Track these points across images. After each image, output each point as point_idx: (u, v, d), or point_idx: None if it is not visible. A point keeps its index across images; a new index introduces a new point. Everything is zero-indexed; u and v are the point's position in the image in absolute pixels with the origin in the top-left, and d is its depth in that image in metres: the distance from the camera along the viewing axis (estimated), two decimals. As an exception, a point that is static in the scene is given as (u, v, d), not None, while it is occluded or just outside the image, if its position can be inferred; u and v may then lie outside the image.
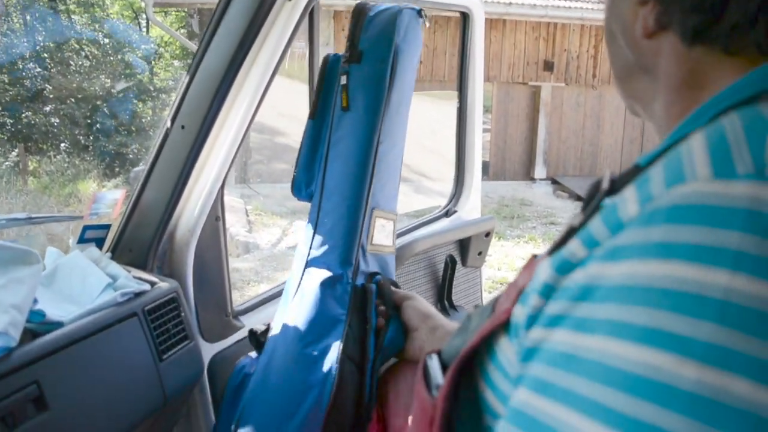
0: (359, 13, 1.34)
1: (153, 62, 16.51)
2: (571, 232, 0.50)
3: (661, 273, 0.38)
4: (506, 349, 0.55)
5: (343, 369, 1.18)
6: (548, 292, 0.47)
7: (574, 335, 0.42)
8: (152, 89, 15.26)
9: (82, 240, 1.41)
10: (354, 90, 1.32)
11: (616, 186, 0.50)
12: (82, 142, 13.13)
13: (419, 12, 1.39)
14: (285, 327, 1.27)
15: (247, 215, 8.92)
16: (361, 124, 1.32)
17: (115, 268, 1.33)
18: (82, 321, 1.15)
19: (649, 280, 0.38)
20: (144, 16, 15.38)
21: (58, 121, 13.07)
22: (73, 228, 1.53)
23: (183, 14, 15.93)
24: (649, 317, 0.37)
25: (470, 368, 0.61)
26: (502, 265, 7.20)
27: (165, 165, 1.41)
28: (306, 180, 1.41)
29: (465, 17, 2.17)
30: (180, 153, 1.39)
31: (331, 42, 10.32)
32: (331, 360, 1.19)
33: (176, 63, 17.07)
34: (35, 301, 1.09)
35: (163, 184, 1.43)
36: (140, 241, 1.47)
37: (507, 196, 10.85)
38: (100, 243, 1.45)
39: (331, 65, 1.38)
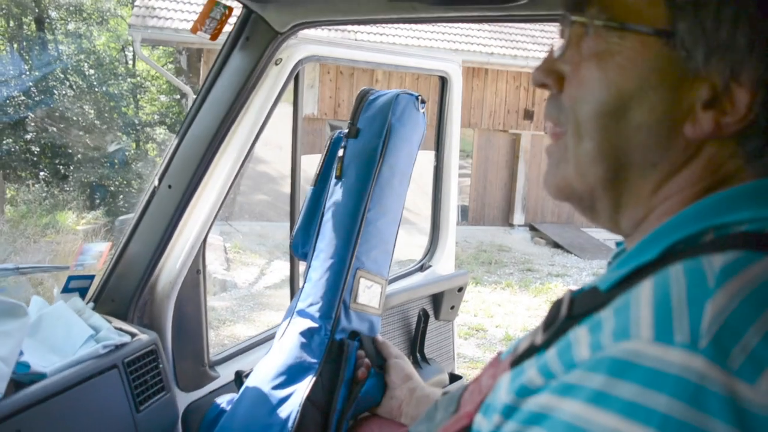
0: (362, 96, 1.51)
1: (138, 96, 16.58)
2: (532, 350, 0.57)
3: (596, 420, 0.43)
4: None
5: (305, 413, 1.26)
6: (508, 412, 0.53)
7: None
8: (137, 123, 15.32)
9: (66, 289, 1.46)
10: (348, 161, 1.47)
11: (576, 311, 0.56)
12: (62, 172, 13.10)
13: (417, 97, 1.52)
14: (260, 369, 1.36)
15: (226, 253, 8.91)
16: (351, 192, 1.45)
17: (98, 319, 1.38)
18: (65, 372, 1.20)
19: (587, 425, 0.44)
20: (131, 48, 15.47)
21: (38, 149, 13.04)
22: (57, 277, 1.58)
23: (171, 50, 16.07)
24: None
25: None
26: (478, 311, 7.25)
27: (151, 221, 1.48)
28: (303, 240, 1.55)
29: (443, 81, 2.28)
30: (166, 211, 1.46)
31: (316, 84, 10.49)
32: (293, 404, 1.28)
33: (162, 98, 17.16)
34: (20, 352, 1.14)
35: (147, 239, 1.49)
36: (122, 292, 1.52)
37: (485, 242, 10.96)
38: (83, 292, 1.50)
39: (335, 141, 1.53)
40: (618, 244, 0.79)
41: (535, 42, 11.28)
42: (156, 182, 1.47)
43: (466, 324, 6.66)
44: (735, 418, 0.40)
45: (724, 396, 0.40)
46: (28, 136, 12.98)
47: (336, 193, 1.46)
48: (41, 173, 12.94)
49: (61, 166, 13.25)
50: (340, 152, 1.47)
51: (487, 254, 10.16)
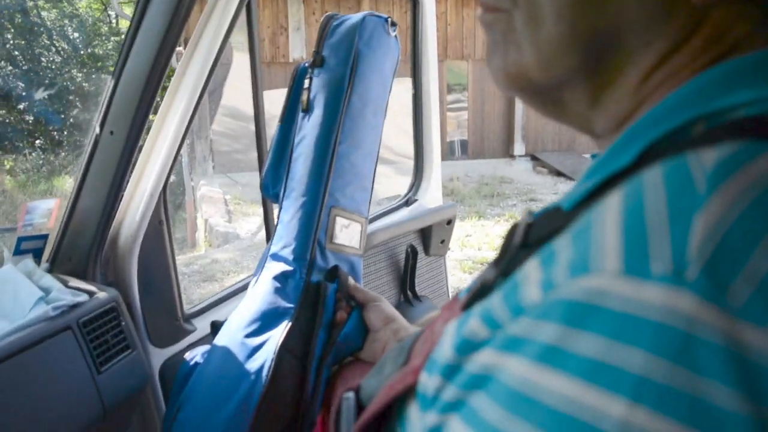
0: (326, 22, 1.40)
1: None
2: (485, 290, 0.46)
3: (548, 386, 0.33)
4: (414, 418, 0.51)
5: (281, 362, 1.19)
6: (448, 372, 0.43)
7: (462, 429, 0.38)
8: (125, 81, 15.16)
9: (17, 252, 1.37)
10: (315, 93, 1.37)
11: (532, 237, 0.45)
12: (57, 138, 13.01)
13: (386, 20, 1.40)
14: (233, 318, 1.29)
15: (226, 205, 8.87)
16: (319, 125, 1.35)
17: (49, 280, 1.30)
18: (12, 337, 1.13)
19: (538, 392, 0.33)
20: (113, 6, 15.20)
21: (32, 118, 12.92)
22: (8, 240, 1.50)
23: None
24: None
25: (380, 426, 0.57)
26: (482, 244, 7.22)
27: (98, 172, 1.38)
28: (273, 180, 1.45)
29: (415, 4, 2.13)
30: (111, 159, 1.35)
31: (302, 26, 10.23)
32: (267, 351, 1.21)
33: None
34: (-40, 320, 1.06)
35: (97, 191, 1.39)
36: (79, 249, 1.44)
37: (487, 175, 10.87)
38: (38, 253, 1.42)
39: (300, 73, 1.42)
40: (593, 156, 0.67)
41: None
42: (97, 129, 1.36)
43: (470, 258, 6.63)
44: (739, 377, 0.29)
45: (723, 346, 0.29)
46: (21, 106, 12.84)
47: (304, 127, 1.37)
48: (37, 141, 12.84)
49: (56, 132, 13.15)
50: (306, 83, 1.37)
51: (489, 187, 10.09)
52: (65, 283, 1.34)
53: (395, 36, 1.46)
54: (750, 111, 0.39)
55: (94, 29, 15.64)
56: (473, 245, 7.21)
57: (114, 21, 17.26)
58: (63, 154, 12.36)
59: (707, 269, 0.30)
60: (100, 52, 14.85)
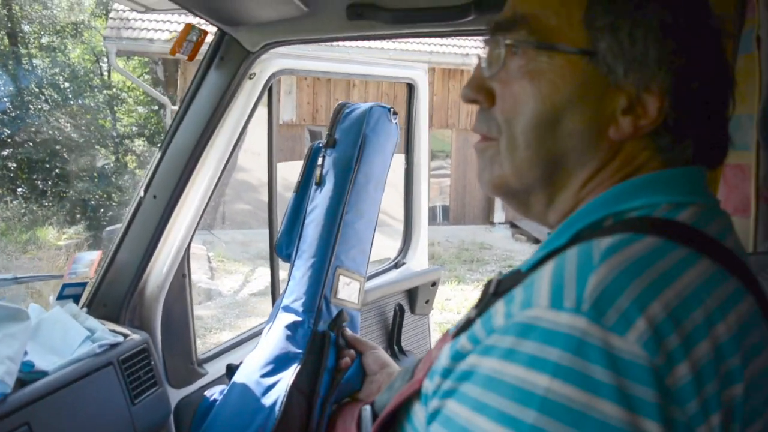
0: (339, 109, 1.65)
1: (116, 108, 16.56)
2: (468, 322, 0.68)
3: (507, 371, 0.54)
4: (419, 413, 0.73)
5: (291, 399, 1.39)
6: (445, 373, 0.63)
7: (456, 405, 0.59)
8: (115, 135, 15.30)
9: (61, 296, 1.56)
10: (327, 169, 1.61)
11: (500, 289, 0.68)
12: (41, 187, 13.06)
13: (389, 109, 1.67)
14: (249, 361, 1.49)
15: (210, 262, 8.97)
16: (329, 197, 1.59)
17: (93, 322, 1.49)
18: (65, 370, 1.31)
19: (501, 375, 0.55)
20: (106, 60, 15.42)
21: (15, 165, 12.97)
22: (53, 285, 1.68)
23: (146, 60, 16.07)
24: (496, 402, 0.54)
25: (393, 423, 0.79)
26: (461, 308, 7.39)
27: (138, 230, 1.60)
28: (287, 242, 1.68)
29: (411, 88, 2.41)
30: (152, 219, 1.57)
31: (294, 91, 10.59)
32: (280, 390, 1.40)
33: (140, 109, 17.16)
34: (25, 353, 1.25)
35: (135, 247, 1.60)
36: (114, 297, 1.63)
37: (467, 240, 11.11)
38: (77, 299, 1.61)
39: (314, 151, 1.67)
40: (549, 234, 0.93)
41: (507, 42, 11.44)
42: (142, 193, 1.59)
43: (450, 321, 6.78)
44: (609, 363, 0.51)
45: (600, 347, 0.51)
46: (5, 152, 12.92)
47: (316, 198, 1.60)
48: (19, 189, 12.88)
49: (39, 182, 13.21)
50: (319, 161, 1.61)
51: (469, 252, 10.31)
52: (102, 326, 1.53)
53: (396, 123, 1.72)
54: (641, 213, 0.64)
55: (86, 80, 15.87)
56: (452, 309, 7.38)
57: (106, 74, 17.54)
58: (46, 203, 12.40)
59: (593, 305, 0.53)
60: (91, 103, 15.05)
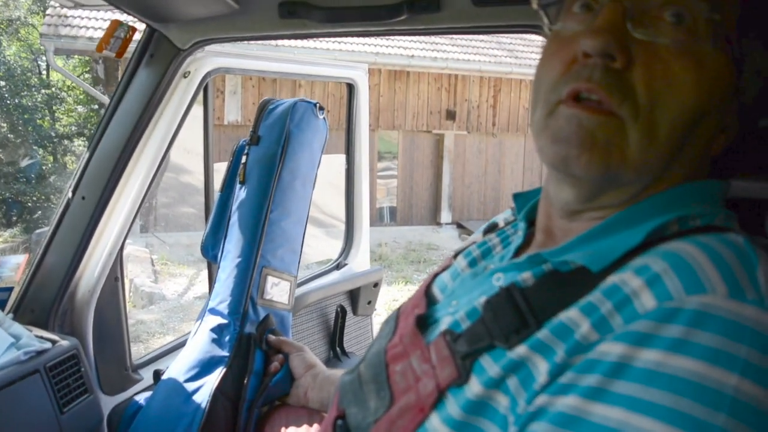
0: (263, 106, 1.64)
1: (54, 108, 16.07)
2: (521, 328, 0.61)
3: (680, 365, 0.47)
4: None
5: (216, 403, 1.37)
6: (558, 370, 0.55)
7: (583, 402, 0.51)
8: (54, 135, 14.85)
9: (-16, 302, 1.50)
10: (251, 167, 1.59)
11: (568, 289, 0.61)
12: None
13: (315, 104, 1.64)
14: (174, 365, 1.47)
15: (153, 265, 8.79)
16: (253, 195, 1.57)
17: (18, 328, 1.43)
18: (-14, 379, 1.26)
19: (675, 370, 0.47)
20: (44, 58, 14.93)
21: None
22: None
23: (87, 59, 15.63)
24: (673, 401, 0.46)
25: None
26: (407, 308, 7.41)
27: (66, 232, 1.54)
28: (212, 243, 1.67)
29: (351, 88, 2.40)
30: (80, 221, 1.53)
31: (239, 91, 10.46)
32: (204, 394, 1.39)
33: (80, 108, 16.69)
34: (-59, 362, 1.20)
35: (64, 250, 1.55)
36: (42, 302, 1.58)
37: (414, 241, 11.16)
38: (2, 304, 1.55)
39: (239, 149, 1.65)
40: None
41: (454, 44, 11.57)
42: (70, 194, 1.54)
43: (396, 321, 6.80)
44: None
45: None
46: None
47: (240, 197, 1.58)
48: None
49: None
50: (243, 159, 1.59)
51: (416, 253, 10.36)
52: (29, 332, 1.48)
53: (323, 118, 1.71)
54: (703, 221, 0.62)
55: (23, 79, 15.35)
56: (399, 309, 7.40)
57: (44, 72, 17.00)
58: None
59: None
60: (28, 103, 14.56)
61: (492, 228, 0.91)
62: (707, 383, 0.46)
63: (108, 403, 1.68)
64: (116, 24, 1.39)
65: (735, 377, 0.46)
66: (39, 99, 15.23)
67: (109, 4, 1.27)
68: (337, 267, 2.49)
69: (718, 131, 0.65)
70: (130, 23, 1.44)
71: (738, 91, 0.63)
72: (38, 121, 14.68)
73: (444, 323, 0.72)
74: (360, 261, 2.53)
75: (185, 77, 1.65)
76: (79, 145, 15.36)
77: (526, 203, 0.82)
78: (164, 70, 1.50)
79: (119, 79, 1.52)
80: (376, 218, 11.47)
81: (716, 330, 0.48)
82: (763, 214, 0.90)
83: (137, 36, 1.49)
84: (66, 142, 15.22)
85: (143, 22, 1.41)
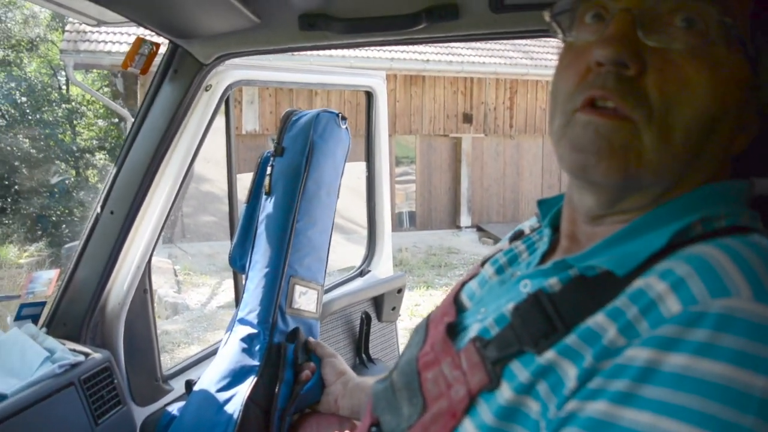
0: (286, 117, 1.65)
1: (75, 122, 16.27)
2: (549, 333, 0.61)
3: (707, 369, 0.48)
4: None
5: (248, 412, 1.39)
6: (587, 375, 0.56)
7: (613, 407, 0.51)
8: (75, 149, 15.04)
9: (19, 317, 1.53)
10: (276, 178, 1.61)
11: (592, 297, 0.61)
12: (0, 205, 12.77)
13: (338, 115, 1.66)
14: (206, 376, 1.49)
15: (176, 275, 8.87)
16: (279, 206, 1.59)
17: (52, 342, 1.46)
18: (24, 393, 1.29)
19: (699, 373, 0.48)
20: (63, 73, 15.14)
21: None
22: (12, 306, 1.66)
23: (106, 73, 15.83)
24: (702, 404, 0.47)
25: None
26: (429, 313, 7.40)
27: (96, 246, 1.57)
28: (240, 254, 1.69)
29: (369, 96, 2.42)
30: (109, 235, 1.55)
31: (256, 101, 10.54)
32: (236, 403, 1.41)
33: (100, 122, 16.89)
34: (-20, 377, 1.23)
35: (94, 264, 1.58)
36: (73, 315, 1.61)
37: (434, 245, 11.15)
38: (35, 319, 1.58)
39: (263, 160, 1.67)
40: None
41: (468, 47, 11.56)
42: (98, 209, 1.57)
43: (419, 326, 6.80)
44: None
45: None
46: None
47: (267, 208, 1.60)
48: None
49: (-1, 200, 12.93)
50: (269, 170, 1.61)
51: (436, 257, 10.35)
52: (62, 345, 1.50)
53: (346, 128, 1.72)
54: (728, 222, 0.62)
55: (44, 94, 15.57)
56: (422, 314, 7.39)
57: (64, 87, 17.23)
58: (6, 221, 12.13)
59: None
60: (49, 118, 14.77)
61: (518, 235, 0.92)
62: (734, 386, 0.47)
63: (140, 414, 1.70)
64: (140, 41, 1.42)
65: (762, 379, 0.47)
66: (60, 114, 15.44)
67: (132, 22, 1.30)
68: (361, 274, 2.50)
69: (737, 131, 0.65)
70: (153, 39, 1.47)
71: (756, 89, 0.64)
72: (59, 135, 14.88)
73: (473, 330, 0.73)
74: (383, 267, 2.55)
75: (207, 90, 1.67)
76: (101, 158, 15.53)
77: (551, 210, 0.83)
78: (188, 84, 1.53)
79: (145, 94, 1.54)
80: (396, 223, 11.49)
81: (742, 333, 0.48)
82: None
83: (162, 50, 1.51)
84: (87, 155, 15.40)
85: (167, 38, 1.44)
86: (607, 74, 0.61)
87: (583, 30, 0.67)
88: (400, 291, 2.47)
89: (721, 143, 0.64)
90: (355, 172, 2.49)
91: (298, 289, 1.60)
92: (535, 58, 11.83)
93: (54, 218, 12.51)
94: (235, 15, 1.27)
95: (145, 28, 1.34)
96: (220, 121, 1.79)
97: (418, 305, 7.75)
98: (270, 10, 1.29)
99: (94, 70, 16.14)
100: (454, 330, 0.77)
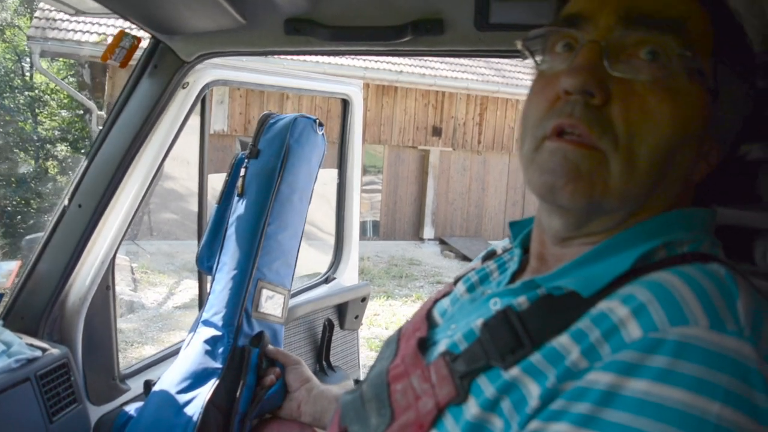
0: (263, 120, 1.65)
1: (37, 111, 15.90)
2: (516, 349, 0.63)
3: (666, 395, 0.50)
4: None
5: (207, 415, 1.37)
6: (550, 395, 0.58)
7: (575, 429, 0.53)
8: (36, 139, 14.70)
9: (-26, 309, 1.49)
10: (249, 180, 1.60)
11: (556, 316, 0.63)
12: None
13: (315, 121, 1.66)
14: (166, 376, 1.47)
15: (133, 273, 8.72)
16: (251, 208, 1.58)
17: (9, 335, 1.42)
18: (-23, 386, 1.25)
19: (658, 399, 0.50)
20: (28, 60, 14.79)
21: None
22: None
23: (72, 62, 15.51)
24: (661, 429, 0.49)
25: None
26: (390, 324, 7.41)
27: (60, 239, 1.54)
28: (208, 254, 1.67)
29: (345, 103, 2.42)
30: (75, 229, 1.52)
31: (226, 101, 10.45)
32: (196, 406, 1.39)
33: (64, 113, 16.53)
34: (-67, 368, 1.18)
35: (57, 257, 1.54)
36: (32, 309, 1.56)
37: (397, 256, 11.16)
38: (-8, 311, 1.54)
39: (237, 161, 1.65)
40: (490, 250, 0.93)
41: (442, 61, 11.65)
42: (66, 202, 1.53)
43: (377, 337, 6.80)
44: (765, 387, 0.50)
45: (761, 374, 0.51)
46: None
47: (238, 209, 1.58)
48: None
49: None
50: (242, 171, 1.60)
51: (398, 268, 10.36)
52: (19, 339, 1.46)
53: (322, 134, 1.72)
54: (691, 247, 0.65)
55: (6, 80, 15.19)
56: (380, 324, 7.39)
57: (28, 74, 16.82)
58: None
59: (752, 331, 0.53)
60: (11, 105, 14.41)
61: (490, 255, 0.94)
62: (692, 411, 0.49)
63: (95, 413, 1.66)
64: (122, 34, 1.40)
65: (717, 405, 0.49)
66: (21, 101, 15.09)
67: (115, 14, 1.28)
68: (326, 281, 2.49)
69: (698, 159, 0.68)
70: (134, 32, 1.45)
71: (716, 119, 0.67)
72: (20, 123, 14.53)
73: (443, 345, 0.74)
74: (348, 275, 2.54)
75: (183, 88, 1.65)
76: (62, 150, 15.20)
77: (521, 231, 0.85)
78: (167, 81, 1.51)
79: (123, 88, 1.52)
80: (359, 232, 11.45)
81: (698, 360, 0.51)
82: (754, 243, 0.93)
83: (143, 44, 1.49)
84: (48, 146, 15.07)
85: (149, 33, 1.42)
86: (575, 103, 0.64)
87: (554, 58, 0.70)
88: (364, 300, 2.47)
89: (683, 171, 0.67)
90: (322, 179, 2.49)
91: (265, 293, 1.59)
92: (507, 76, 11.98)
93: (10, 209, 12.19)
94: (221, 14, 1.26)
95: (128, 21, 1.32)
96: (190, 119, 1.77)
97: (378, 315, 7.75)
98: (256, 12, 1.28)
99: (61, 59, 15.81)
100: (425, 344, 0.78)
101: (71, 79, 16.13)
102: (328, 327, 2.30)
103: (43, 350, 1.45)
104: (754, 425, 0.49)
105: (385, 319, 7.58)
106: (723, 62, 0.66)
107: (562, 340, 0.60)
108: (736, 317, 0.54)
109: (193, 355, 1.48)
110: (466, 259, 11.22)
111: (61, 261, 1.54)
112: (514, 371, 0.62)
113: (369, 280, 9.17)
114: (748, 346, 0.52)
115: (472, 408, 0.63)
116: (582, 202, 0.65)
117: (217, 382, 1.43)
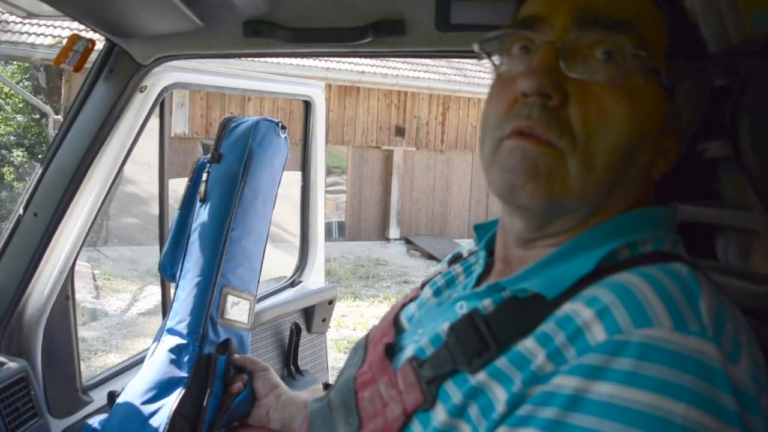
0: (225, 124, 1.61)
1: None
2: (483, 352, 0.63)
3: (632, 397, 0.50)
4: None
5: (174, 425, 1.35)
6: (516, 400, 0.58)
7: None
8: (-11, 144, 14.30)
9: (-74, 323, 1.44)
10: (212, 185, 1.57)
11: (524, 317, 0.63)
12: None
13: (278, 124, 1.63)
14: (131, 387, 1.43)
15: (95, 280, 8.55)
16: (214, 214, 1.55)
17: (-37, 350, 1.38)
18: (-70, 404, 1.21)
19: (625, 402, 0.50)
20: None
21: None
22: None
23: (27, 65, 15.13)
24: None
25: None
26: (357, 325, 7.39)
27: (16, 249, 1.49)
28: (171, 261, 1.64)
29: (307, 105, 2.40)
30: (32, 238, 1.48)
31: (186, 103, 10.32)
32: (163, 416, 1.37)
33: (19, 117, 16.12)
34: None
35: (13, 267, 1.50)
36: (-12, 321, 1.52)
37: (363, 256, 11.15)
38: (-55, 325, 1.49)
39: (199, 166, 1.62)
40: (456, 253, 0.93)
41: (404, 61, 11.66)
42: (21, 210, 1.49)
43: (346, 338, 6.78)
44: (733, 390, 0.51)
45: (725, 374, 0.51)
46: None
47: (201, 215, 1.56)
48: None
49: None
50: (204, 176, 1.57)
51: (364, 269, 10.35)
52: (-26, 354, 1.42)
53: (285, 137, 1.71)
54: (655, 246, 0.66)
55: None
56: (348, 325, 7.37)
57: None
58: None
59: (715, 330, 0.53)
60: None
61: (456, 258, 0.94)
62: (658, 413, 0.49)
63: (57, 426, 1.62)
64: (75, 38, 1.37)
65: (682, 406, 0.49)
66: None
67: (68, 17, 1.25)
68: (292, 284, 2.47)
69: (657, 156, 0.69)
70: (90, 36, 1.41)
71: (673, 117, 0.68)
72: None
73: (410, 350, 0.74)
74: (315, 278, 2.53)
75: (141, 92, 1.62)
76: (18, 155, 14.82)
77: (486, 234, 0.85)
78: (123, 85, 1.48)
79: (77, 93, 1.48)
80: (325, 233, 11.41)
81: (663, 362, 0.51)
82: (714, 239, 0.94)
83: (98, 47, 1.46)
84: (3, 151, 14.67)
85: (104, 36, 1.39)
86: (533, 105, 0.64)
87: (512, 61, 0.71)
88: (330, 302, 2.46)
89: (642, 169, 0.68)
90: (286, 180, 2.47)
91: (230, 299, 1.56)
92: (469, 75, 12.05)
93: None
94: (178, 17, 1.24)
95: (82, 24, 1.29)
96: (150, 122, 1.74)
97: (345, 316, 7.73)
98: (214, 14, 1.26)
99: (15, 63, 15.42)
100: (392, 350, 0.78)
101: (26, 83, 15.74)
102: (296, 331, 2.28)
103: (1, 365, 1.41)
104: (720, 425, 0.50)
105: (352, 320, 7.57)
106: (678, 61, 0.67)
107: (528, 344, 0.60)
108: (699, 317, 0.54)
109: (158, 364, 1.45)
110: (432, 258, 11.26)
111: (17, 271, 1.50)
112: (481, 376, 0.61)
113: (336, 281, 9.16)
114: (711, 346, 0.52)
115: (440, 414, 0.63)
116: (542, 201, 0.65)
117: (183, 391, 1.41)
